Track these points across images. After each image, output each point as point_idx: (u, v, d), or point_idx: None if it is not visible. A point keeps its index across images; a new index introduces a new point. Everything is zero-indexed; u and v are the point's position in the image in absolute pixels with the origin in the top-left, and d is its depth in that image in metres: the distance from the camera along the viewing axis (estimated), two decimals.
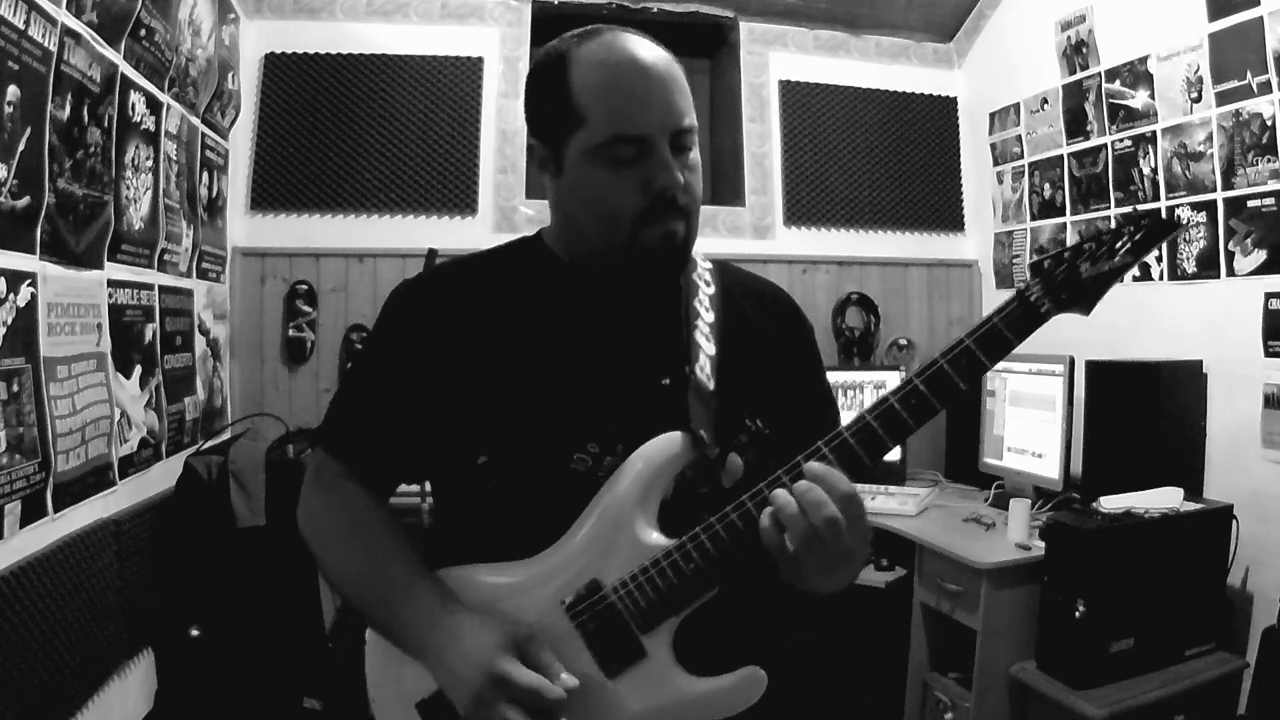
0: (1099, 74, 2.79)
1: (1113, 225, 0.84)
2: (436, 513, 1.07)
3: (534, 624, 0.89)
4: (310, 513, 1.03)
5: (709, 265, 1.09)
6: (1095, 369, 2.48)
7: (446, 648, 0.87)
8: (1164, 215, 0.97)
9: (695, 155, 0.97)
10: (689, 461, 0.93)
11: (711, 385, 0.96)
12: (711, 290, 1.05)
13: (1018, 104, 3.20)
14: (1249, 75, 2.26)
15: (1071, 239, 2.95)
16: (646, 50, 0.94)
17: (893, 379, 3.11)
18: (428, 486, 2.65)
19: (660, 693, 0.89)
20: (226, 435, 2.69)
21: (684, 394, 0.96)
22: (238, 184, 2.95)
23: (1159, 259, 2.57)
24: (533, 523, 0.93)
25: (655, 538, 0.90)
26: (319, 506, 1.02)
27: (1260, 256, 2.27)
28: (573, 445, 0.93)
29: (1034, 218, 3.16)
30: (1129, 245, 0.81)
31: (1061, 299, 0.82)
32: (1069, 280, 0.82)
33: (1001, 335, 0.82)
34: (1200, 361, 2.42)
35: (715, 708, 0.90)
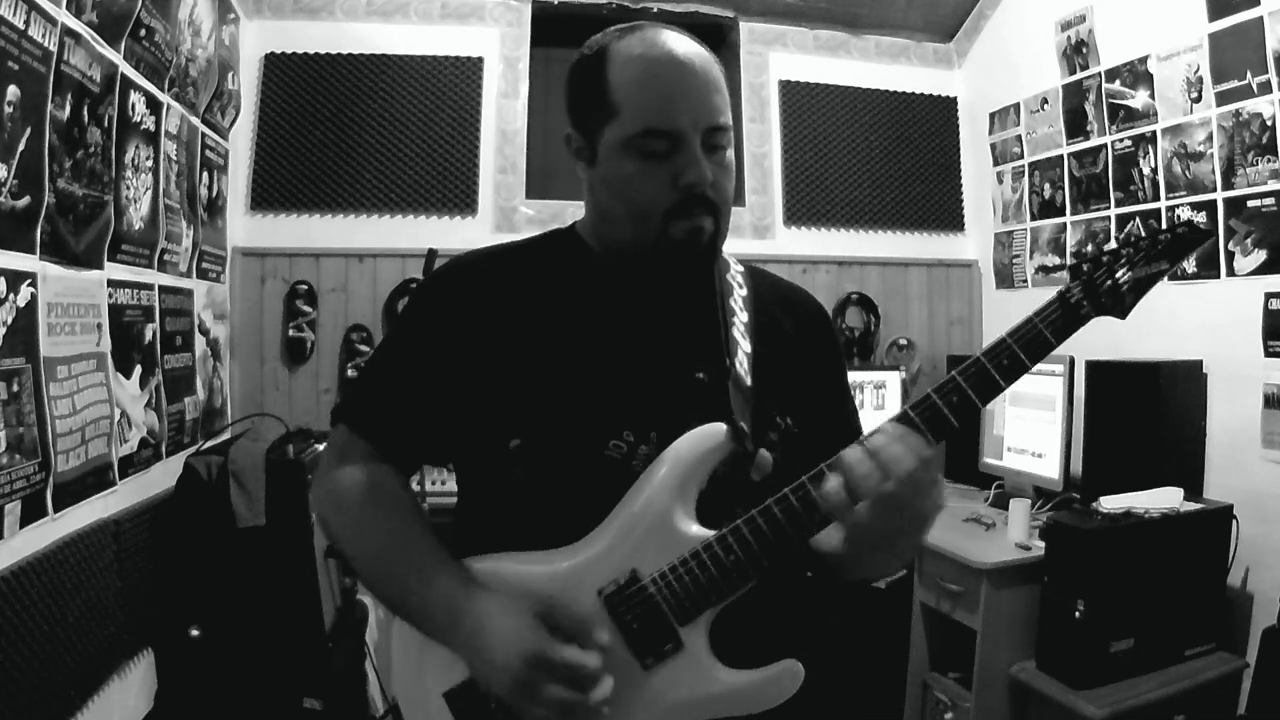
0: (1099, 74, 2.79)
1: (1144, 233, 0.86)
2: (463, 501, 1.06)
3: (570, 613, 0.88)
4: (330, 490, 1.00)
5: (740, 268, 1.11)
6: (1095, 369, 2.48)
7: (474, 634, 0.86)
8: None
9: (729, 155, 0.97)
10: (727, 454, 0.92)
11: (749, 381, 0.98)
12: (745, 292, 1.07)
13: (1018, 104, 3.20)
14: (1249, 75, 2.26)
15: (1072, 239, 2.95)
16: (685, 47, 0.95)
17: (893, 379, 3.11)
18: (429, 486, 2.66)
19: (697, 684, 0.89)
20: (226, 435, 2.69)
21: (721, 388, 0.96)
22: (238, 184, 2.95)
23: None
24: (565, 510, 0.93)
25: (695, 529, 0.90)
26: (341, 483, 0.99)
27: (1260, 256, 2.27)
28: (608, 432, 0.93)
29: (1034, 218, 3.15)
30: (1163, 250, 0.84)
31: (1101, 302, 0.85)
32: (1108, 284, 0.85)
33: (1042, 336, 0.84)
34: (1200, 361, 2.42)
35: (751, 700, 0.89)
